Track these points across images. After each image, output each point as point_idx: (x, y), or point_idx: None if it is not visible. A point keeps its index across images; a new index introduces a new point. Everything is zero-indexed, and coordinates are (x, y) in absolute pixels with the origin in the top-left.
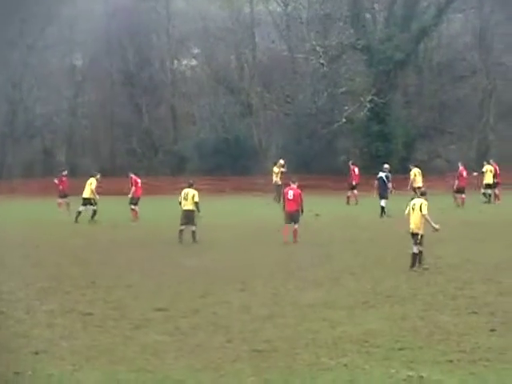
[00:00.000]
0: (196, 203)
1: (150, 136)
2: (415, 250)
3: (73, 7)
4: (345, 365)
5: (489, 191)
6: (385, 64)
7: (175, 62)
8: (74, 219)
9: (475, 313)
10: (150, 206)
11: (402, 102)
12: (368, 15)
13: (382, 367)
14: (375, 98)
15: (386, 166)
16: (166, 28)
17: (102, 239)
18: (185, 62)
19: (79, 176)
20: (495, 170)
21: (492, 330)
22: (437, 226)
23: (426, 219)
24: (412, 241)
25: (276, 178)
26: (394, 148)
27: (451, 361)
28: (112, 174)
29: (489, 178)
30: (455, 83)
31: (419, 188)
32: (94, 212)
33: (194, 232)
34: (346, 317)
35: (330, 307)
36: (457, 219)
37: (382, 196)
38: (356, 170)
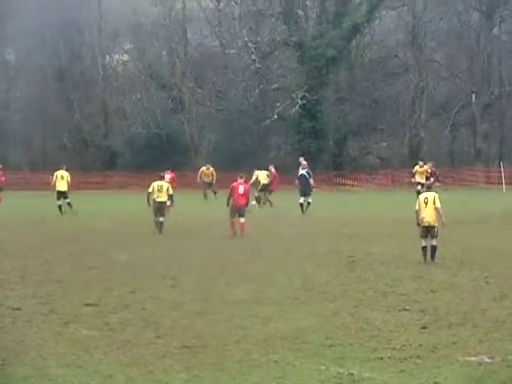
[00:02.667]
0: (170, 195)
1: (81, 131)
2: (434, 242)
3: (4, 2)
4: (275, 361)
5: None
6: (317, 61)
7: (107, 57)
8: (59, 213)
9: (406, 310)
10: (80, 201)
11: (334, 99)
12: (300, 12)
13: (312, 364)
14: (307, 95)
15: (304, 162)
16: (98, 23)
17: (31, 233)
18: (116, 57)
19: (9, 170)
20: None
21: (423, 328)
22: (446, 221)
23: (440, 212)
24: (424, 234)
25: (204, 177)
26: (325, 145)
27: (382, 358)
28: (43, 168)
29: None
30: (387, 80)
31: (419, 183)
32: (69, 204)
33: (162, 223)
34: (277, 313)
35: (261, 303)
36: (390, 217)
37: (304, 193)
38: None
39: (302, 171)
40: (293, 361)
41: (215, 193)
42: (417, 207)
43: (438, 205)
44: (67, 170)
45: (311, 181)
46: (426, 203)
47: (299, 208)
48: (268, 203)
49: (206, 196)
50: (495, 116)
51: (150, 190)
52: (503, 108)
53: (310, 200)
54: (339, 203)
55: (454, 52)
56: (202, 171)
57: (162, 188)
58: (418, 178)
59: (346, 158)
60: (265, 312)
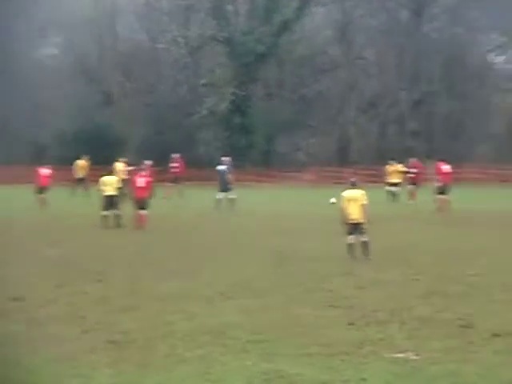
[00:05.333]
0: (119, 188)
1: (8, 124)
2: (364, 238)
3: None
4: (201, 357)
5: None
6: (246, 56)
7: (35, 50)
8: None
9: (334, 306)
10: (6, 195)
11: (264, 95)
12: (230, 7)
13: (239, 360)
14: (236, 91)
15: (226, 158)
16: (26, 16)
17: None
18: (45, 50)
19: None
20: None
21: (350, 324)
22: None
23: (366, 209)
24: (350, 231)
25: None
26: (254, 140)
27: (309, 354)
28: None
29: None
30: (316, 76)
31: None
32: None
33: (118, 216)
34: (204, 308)
35: (187, 298)
36: (319, 213)
37: (223, 189)
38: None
39: (220, 167)
40: (219, 356)
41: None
42: (342, 205)
43: (365, 202)
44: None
45: (228, 176)
46: (352, 200)
47: (216, 204)
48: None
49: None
50: (424, 113)
51: (99, 185)
52: (432, 105)
53: (232, 196)
54: (269, 199)
55: (384, 49)
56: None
57: (110, 182)
58: (390, 179)
59: (275, 154)
60: (192, 307)
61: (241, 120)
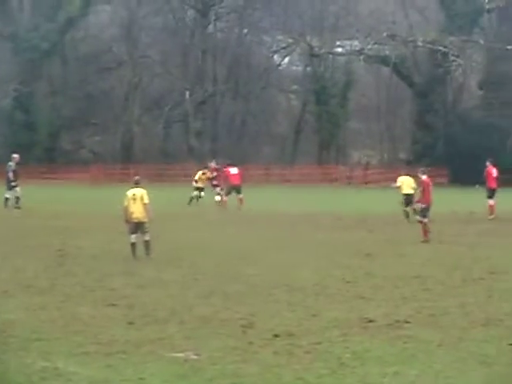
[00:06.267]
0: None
1: None
2: (146, 237)
3: None
4: None
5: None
6: (31, 53)
7: None
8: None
9: (114, 305)
10: None
11: (47, 92)
12: (14, 3)
13: (18, 358)
14: (20, 87)
15: (15, 155)
16: None
17: None
18: None
19: None
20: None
21: (130, 323)
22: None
23: (148, 208)
24: (133, 230)
25: None
26: (38, 137)
27: (87, 352)
28: None
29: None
30: (101, 74)
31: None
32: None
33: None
34: None
35: None
36: (102, 211)
37: (9, 187)
38: None
39: (10, 163)
40: (0, 355)
41: None
42: (125, 203)
43: (146, 201)
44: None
45: (10, 175)
46: (135, 199)
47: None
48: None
49: None
50: (208, 113)
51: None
52: (216, 106)
53: (17, 195)
54: (51, 197)
55: (169, 48)
56: None
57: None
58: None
59: (59, 151)
60: None
61: (24, 117)
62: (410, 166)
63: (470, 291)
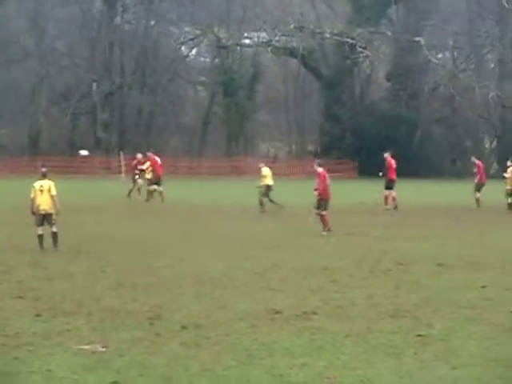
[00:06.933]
0: None
1: None
2: (54, 229)
3: None
4: None
5: None
6: None
7: None
8: None
9: (20, 297)
10: None
11: None
12: None
13: None
14: None
15: None
16: None
17: None
18: None
19: None
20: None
21: (37, 315)
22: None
23: (55, 200)
24: (41, 222)
25: None
26: None
27: None
28: None
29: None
30: (8, 66)
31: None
32: None
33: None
34: None
35: None
36: (8, 203)
37: None
38: None
39: None
40: None
41: None
42: (32, 195)
43: (54, 192)
44: None
45: None
46: (42, 191)
47: None
48: None
49: None
50: (116, 105)
51: None
52: (124, 97)
53: None
54: None
55: (76, 40)
56: None
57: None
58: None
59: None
60: None
61: None
62: (319, 158)
63: (378, 282)
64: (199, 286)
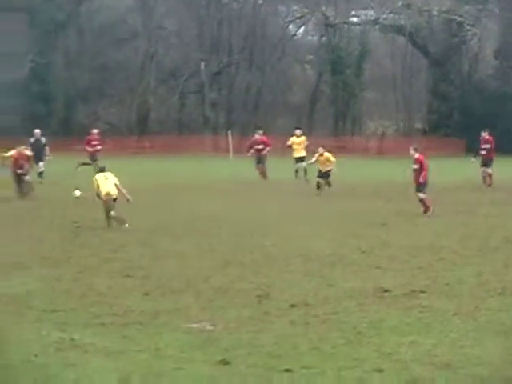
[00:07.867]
0: None
1: None
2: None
3: None
4: None
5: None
6: (46, 24)
7: None
8: None
9: (129, 276)
10: None
11: (63, 64)
12: None
13: (34, 329)
14: (36, 59)
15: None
16: None
17: None
18: None
19: None
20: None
21: (145, 294)
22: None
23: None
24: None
25: None
26: (54, 109)
27: (103, 323)
28: None
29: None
30: (116, 46)
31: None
32: None
33: None
34: (1, 278)
35: None
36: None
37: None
38: None
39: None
40: (14, 326)
41: None
42: (95, 184)
43: (117, 182)
44: None
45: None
46: (107, 178)
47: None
48: None
49: None
50: (224, 84)
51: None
52: (231, 76)
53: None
54: (67, 169)
55: (184, 19)
56: None
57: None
58: (295, 153)
59: (75, 123)
60: None
61: (40, 88)
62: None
63: (486, 260)
64: (307, 264)
